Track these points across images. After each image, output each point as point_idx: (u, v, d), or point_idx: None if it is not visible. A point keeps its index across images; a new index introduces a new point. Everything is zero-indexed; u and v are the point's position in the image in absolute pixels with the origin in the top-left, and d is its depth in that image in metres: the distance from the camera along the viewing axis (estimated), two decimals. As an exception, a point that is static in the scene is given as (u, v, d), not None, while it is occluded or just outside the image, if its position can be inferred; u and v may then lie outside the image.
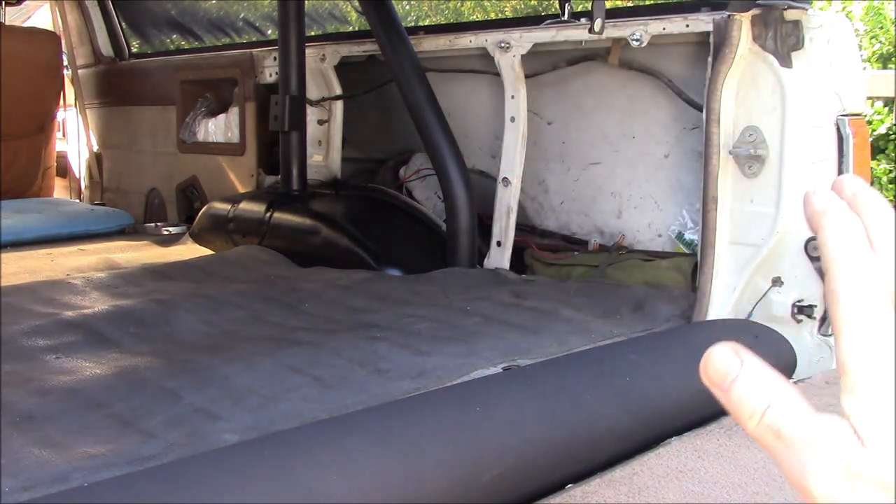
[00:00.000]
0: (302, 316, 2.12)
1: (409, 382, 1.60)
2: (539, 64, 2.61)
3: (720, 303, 2.11)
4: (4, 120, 3.77)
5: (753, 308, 2.08)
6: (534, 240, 2.74)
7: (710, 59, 2.10)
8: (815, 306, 2.04)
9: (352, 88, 3.19)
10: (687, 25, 2.21)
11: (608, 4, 2.30)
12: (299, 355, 1.72)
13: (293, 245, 2.83)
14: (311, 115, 3.20)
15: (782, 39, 2.04)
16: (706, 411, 1.36)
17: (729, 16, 2.06)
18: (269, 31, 4.21)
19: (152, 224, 3.67)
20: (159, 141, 3.92)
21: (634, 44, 2.29)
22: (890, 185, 4.45)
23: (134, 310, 2.08)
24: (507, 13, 6.94)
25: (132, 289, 2.39)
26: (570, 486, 1.07)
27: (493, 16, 7.24)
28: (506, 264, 2.59)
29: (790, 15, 2.03)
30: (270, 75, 3.30)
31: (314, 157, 3.22)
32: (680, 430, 1.28)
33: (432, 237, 2.74)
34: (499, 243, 2.60)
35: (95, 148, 4.39)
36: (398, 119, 3.05)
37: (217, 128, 3.61)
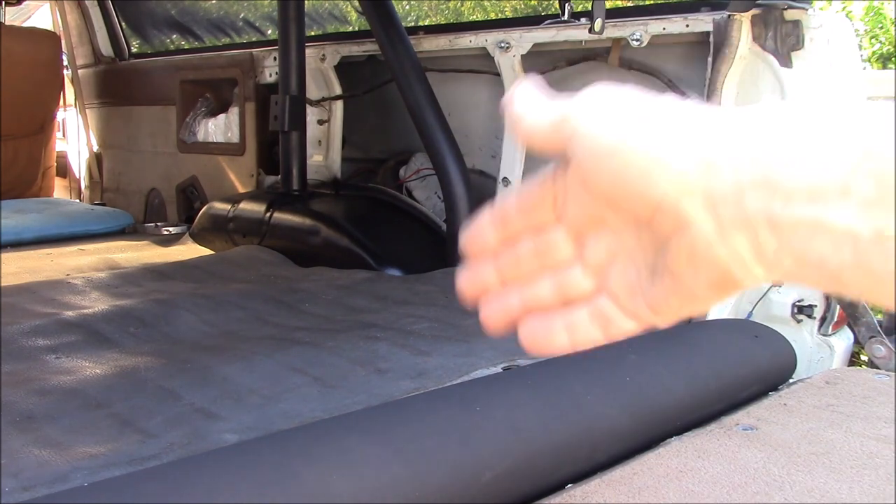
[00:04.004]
0: (302, 316, 2.12)
1: (409, 382, 1.60)
2: (539, 64, 2.61)
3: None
4: (4, 120, 3.77)
5: (753, 308, 2.08)
6: (534, 240, 2.73)
7: (710, 59, 2.10)
8: (815, 306, 2.04)
9: (352, 88, 3.19)
10: (687, 25, 2.21)
11: (608, 4, 2.30)
12: (299, 355, 1.72)
13: (293, 245, 2.83)
14: (311, 115, 3.20)
15: (782, 39, 2.04)
16: (706, 411, 1.36)
17: (729, 16, 2.06)
18: (269, 31, 4.21)
19: (152, 224, 3.67)
20: (159, 141, 3.92)
21: (634, 44, 2.29)
22: (890, 185, 4.47)
23: (134, 310, 2.08)
24: (507, 13, 6.94)
25: (132, 289, 2.39)
26: (570, 486, 1.07)
27: (493, 16, 7.23)
28: (506, 264, 2.58)
29: (790, 15, 2.03)
30: (270, 75, 3.30)
31: (314, 157, 3.23)
32: (680, 430, 1.28)
33: (432, 237, 2.73)
34: (499, 243, 2.60)
35: (95, 148, 4.39)
36: (398, 119, 3.05)
37: (217, 128, 3.61)
